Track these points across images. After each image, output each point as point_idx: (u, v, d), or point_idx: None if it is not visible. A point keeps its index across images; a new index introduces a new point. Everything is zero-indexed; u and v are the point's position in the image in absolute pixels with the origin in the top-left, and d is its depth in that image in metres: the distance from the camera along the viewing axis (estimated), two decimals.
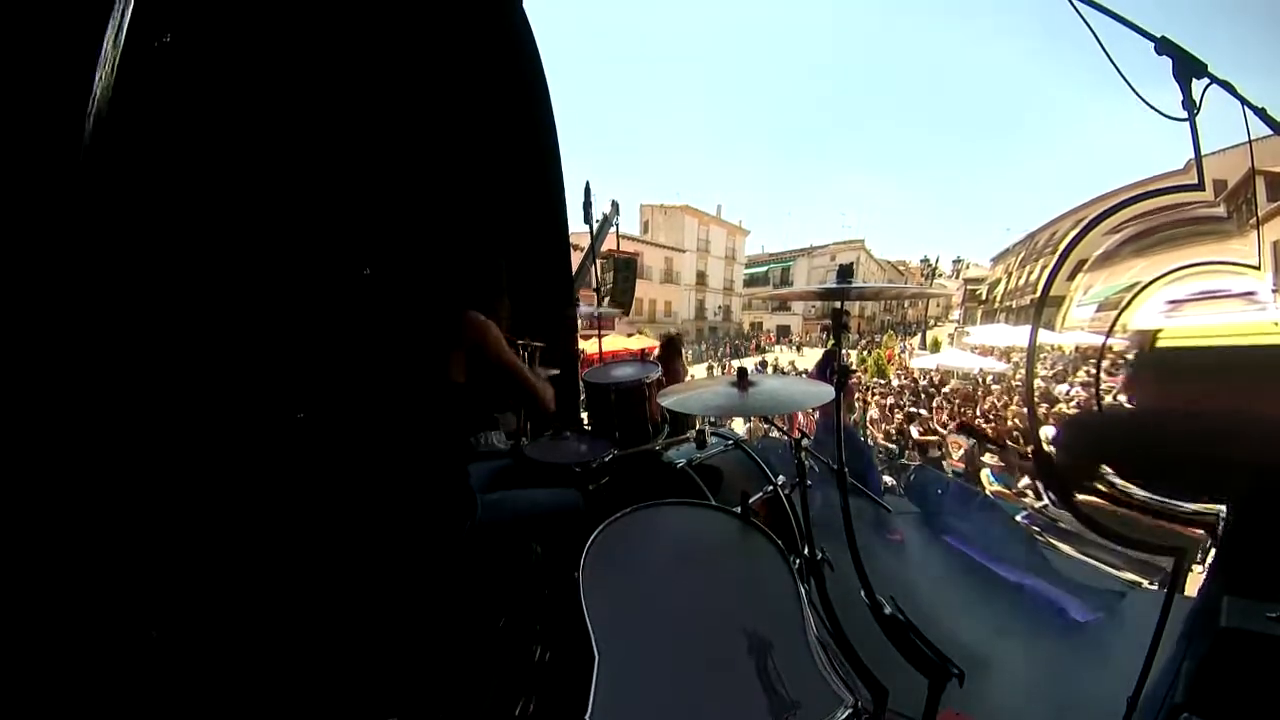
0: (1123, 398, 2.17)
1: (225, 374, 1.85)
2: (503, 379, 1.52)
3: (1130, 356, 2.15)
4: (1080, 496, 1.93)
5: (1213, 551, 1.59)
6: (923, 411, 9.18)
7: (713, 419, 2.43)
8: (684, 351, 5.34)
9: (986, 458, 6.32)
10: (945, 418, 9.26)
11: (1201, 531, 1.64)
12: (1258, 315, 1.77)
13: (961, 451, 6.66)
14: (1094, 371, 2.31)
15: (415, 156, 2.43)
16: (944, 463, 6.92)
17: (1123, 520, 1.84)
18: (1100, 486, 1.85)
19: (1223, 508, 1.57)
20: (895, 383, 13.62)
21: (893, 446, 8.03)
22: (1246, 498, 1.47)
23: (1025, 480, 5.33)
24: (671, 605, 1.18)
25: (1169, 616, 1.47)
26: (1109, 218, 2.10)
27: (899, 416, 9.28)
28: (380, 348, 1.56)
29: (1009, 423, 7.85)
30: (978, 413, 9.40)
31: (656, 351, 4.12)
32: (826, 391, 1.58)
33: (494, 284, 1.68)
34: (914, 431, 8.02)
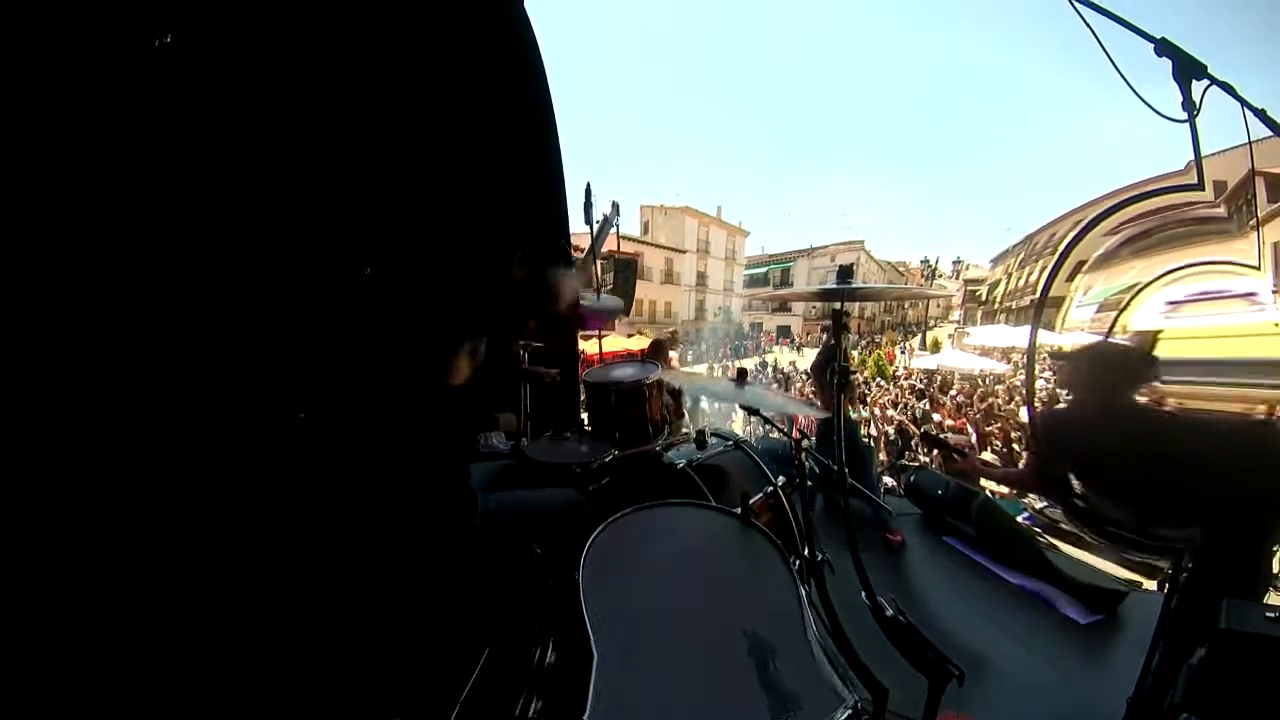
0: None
1: (227, 373, 1.85)
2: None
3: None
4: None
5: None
6: (935, 416, 9.16)
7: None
8: (674, 353, 5.39)
9: (986, 455, 6.32)
10: (945, 417, 9.27)
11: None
12: (1257, 316, 1.77)
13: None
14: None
15: (415, 156, 2.43)
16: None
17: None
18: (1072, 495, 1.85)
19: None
20: (905, 382, 13.62)
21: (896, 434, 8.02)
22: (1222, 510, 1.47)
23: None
24: (671, 606, 1.18)
25: (1169, 616, 1.47)
26: (1107, 218, 2.10)
27: (898, 416, 9.28)
28: (381, 347, 1.56)
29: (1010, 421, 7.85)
30: (978, 411, 9.39)
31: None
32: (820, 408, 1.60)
33: (503, 280, 1.64)
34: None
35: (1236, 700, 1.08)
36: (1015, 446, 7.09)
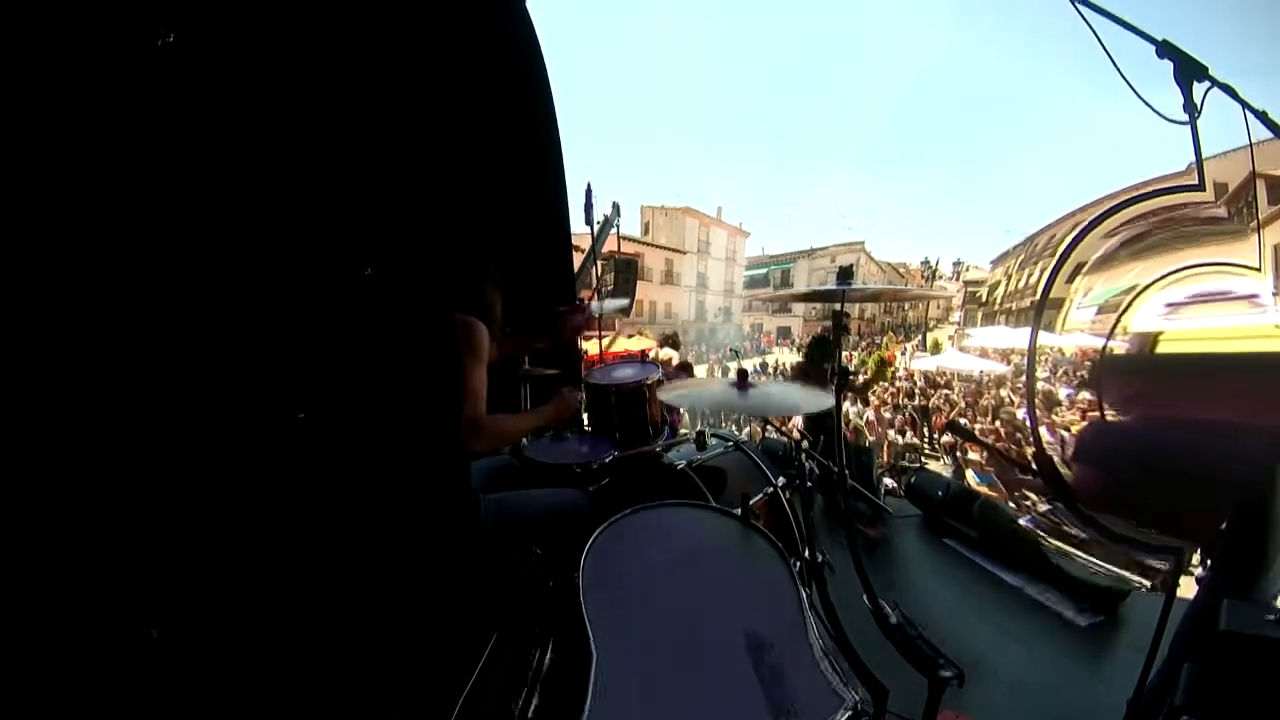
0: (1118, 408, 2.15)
1: (227, 374, 1.85)
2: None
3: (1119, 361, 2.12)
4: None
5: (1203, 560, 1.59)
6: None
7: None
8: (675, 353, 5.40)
9: (971, 455, 6.31)
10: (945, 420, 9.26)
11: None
12: (1257, 318, 1.77)
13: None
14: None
15: (416, 157, 2.43)
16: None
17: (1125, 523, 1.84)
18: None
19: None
20: (905, 384, 13.58)
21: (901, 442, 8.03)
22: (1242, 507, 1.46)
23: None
24: (671, 606, 1.18)
25: (1169, 618, 1.46)
26: (1105, 220, 2.10)
27: (899, 419, 9.27)
28: (381, 348, 1.56)
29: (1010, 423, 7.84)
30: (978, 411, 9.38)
31: (654, 353, 4.31)
32: (825, 398, 1.58)
33: (477, 276, 1.64)
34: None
35: (1237, 702, 1.08)
36: (1017, 446, 7.08)
